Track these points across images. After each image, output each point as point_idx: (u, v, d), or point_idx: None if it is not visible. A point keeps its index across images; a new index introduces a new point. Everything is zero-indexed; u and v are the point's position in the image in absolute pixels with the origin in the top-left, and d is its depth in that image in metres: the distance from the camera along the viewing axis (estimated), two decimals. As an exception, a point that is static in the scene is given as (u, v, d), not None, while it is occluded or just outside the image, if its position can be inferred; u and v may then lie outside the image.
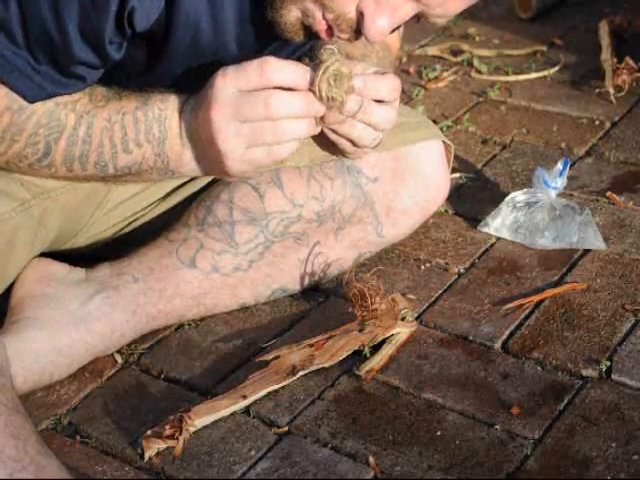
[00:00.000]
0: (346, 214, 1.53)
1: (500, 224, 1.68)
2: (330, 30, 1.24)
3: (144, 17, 1.20)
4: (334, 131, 1.28)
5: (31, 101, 1.24)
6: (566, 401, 1.34)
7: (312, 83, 1.20)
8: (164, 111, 1.27)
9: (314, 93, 1.21)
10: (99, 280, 1.46)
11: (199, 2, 1.24)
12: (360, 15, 1.21)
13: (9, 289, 1.45)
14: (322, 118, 1.24)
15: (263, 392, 1.36)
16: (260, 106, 1.20)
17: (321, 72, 1.19)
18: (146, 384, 1.42)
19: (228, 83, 1.21)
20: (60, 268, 1.48)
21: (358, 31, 1.23)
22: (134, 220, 1.56)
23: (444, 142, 1.59)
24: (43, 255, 1.49)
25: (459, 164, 1.90)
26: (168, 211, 1.57)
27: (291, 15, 1.24)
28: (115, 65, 1.28)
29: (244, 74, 1.20)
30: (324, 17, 1.23)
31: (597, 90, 2.10)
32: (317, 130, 1.26)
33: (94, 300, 1.43)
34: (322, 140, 1.32)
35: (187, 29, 1.25)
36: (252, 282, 1.51)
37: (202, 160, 1.29)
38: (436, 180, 1.59)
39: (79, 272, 1.48)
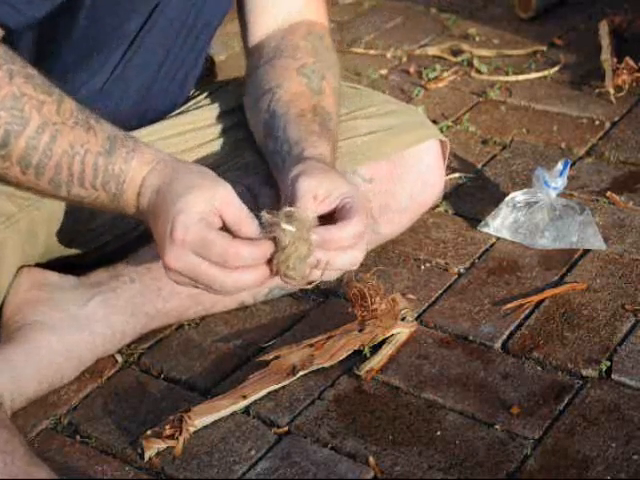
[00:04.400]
0: None
1: (500, 224, 1.68)
2: None
3: None
4: None
5: (11, 26, 1.22)
6: (566, 401, 1.34)
7: (271, 261, 1.19)
8: (124, 174, 1.23)
9: (270, 268, 1.19)
10: (96, 283, 1.46)
11: None
12: None
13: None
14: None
15: (263, 392, 1.36)
16: (216, 285, 1.19)
17: (282, 259, 1.18)
18: (146, 384, 1.42)
19: (186, 246, 1.17)
20: (50, 275, 1.47)
21: None
22: (134, 228, 1.56)
23: (440, 140, 1.60)
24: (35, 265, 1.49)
25: (459, 164, 1.90)
26: None
27: None
28: None
29: (205, 248, 1.17)
30: None
31: (597, 90, 2.11)
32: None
33: (92, 302, 1.43)
34: None
35: None
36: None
37: None
38: (432, 179, 1.59)
39: (71, 279, 1.47)
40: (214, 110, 1.60)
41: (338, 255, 1.22)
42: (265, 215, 1.21)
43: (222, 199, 1.19)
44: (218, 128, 1.58)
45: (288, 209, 1.21)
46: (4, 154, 1.23)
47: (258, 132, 1.48)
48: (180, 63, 1.52)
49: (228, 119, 1.59)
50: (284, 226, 1.19)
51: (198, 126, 1.57)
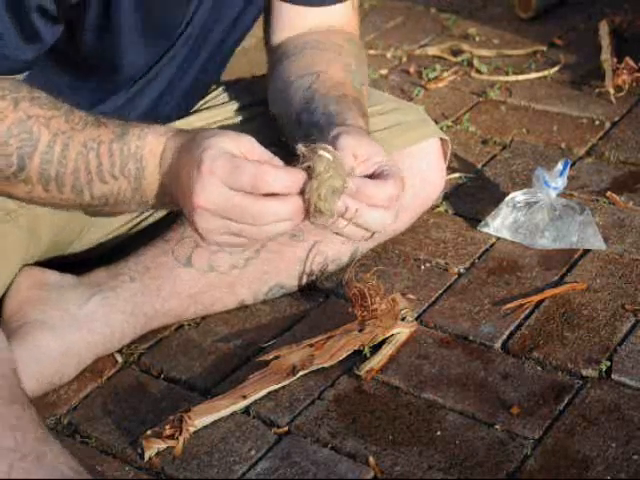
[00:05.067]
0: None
1: (500, 224, 1.68)
2: None
3: None
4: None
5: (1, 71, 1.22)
6: (566, 401, 1.34)
7: (303, 191, 1.15)
8: (140, 149, 1.22)
9: (303, 200, 1.16)
10: (96, 282, 1.46)
11: None
12: None
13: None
14: (310, 220, 1.18)
15: (263, 392, 1.36)
16: (248, 217, 1.15)
17: (314, 186, 1.15)
18: (146, 384, 1.42)
19: (216, 178, 1.14)
20: (51, 275, 1.48)
21: None
22: (134, 225, 1.56)
23: (441, 138, 1.60)
24: (35, 264, 1.49)
25: (459, 164, 1.90)
26: (168, 215, 1.56)
27: None
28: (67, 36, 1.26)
29: (235, 177, 1.14)
30: None
31: (597, 90, 2.10)
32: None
33: (92, 301, 1.43)
34: None
35: None
36: (249, 279, 1.51)
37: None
38: (433, 178, 1.60)
39: (71, 278, 1.48)
40: (225, 107, 1.61)
41: (368, 209, 1.19)
42: (301, 147, 1.17)
43: (246, 145, 1.17)
44: (231, 122, 1.58)
45: (326, 145, 1.18)
46: (24, 177, 1.24)
47: (290, 108, 1.44)
48: (194, 78, 1.52)
49: (240, 115, 1.60)
50: (321, 152, 1.15)
51: (210, 122, 1.58)
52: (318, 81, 1.42)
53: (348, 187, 1.16)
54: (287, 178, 1.14)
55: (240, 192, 1.14)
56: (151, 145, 1.22)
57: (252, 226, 1.16)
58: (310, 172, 1.15)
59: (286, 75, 1.49)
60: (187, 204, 1.17)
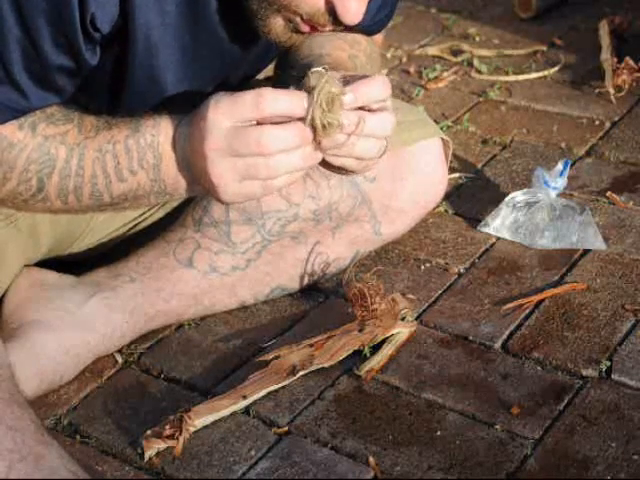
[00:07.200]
0: (343, 213, 1.53)
1: (500, 224, 1.68)
2: (314, 27, 1.25)
3: (106, 19, 1.19)
4: (336, 155, 1.22)
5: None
6: (566, 401, 1.34)
7: (306, 111, 1.16)
8: (156, 137, 1.23)
9: (309, 121, 1.16)
10: (96, 282, 1.46)
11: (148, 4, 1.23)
12: (331, 5, 1.21)
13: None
14: (320, 145, 1.19)
15: (263, 392, 1.36)
16: (253, 144, 1.16)
17: (314, 100, 1.15)
18: (146, 384, 1.42)
19: (221, 116, 1.16)
20: (50, 275, 1.48)
21: (337, 19, 1.23)
22: (133, 226, 1.56)
23: (442, 138, 1.59)
24: (35, 264, 1.50)
25: (459, 164, 1.90)
26: (167, 215, 1.56)
27: (277, 25, 1.25)
28: (83, 86, 1.27)
29: (238, 108, 1.16)
30: (303, 20, 1.23)
31: (597, 90, 2.11)
32: (317, 160, 1.21)
33: (92, 301, 1.43)
34: (327, 165, 1.26)
35: (140, 27, 1.24)
36: (250, 281, 1.51)
37: (198, 185, 1.26)
38: (435, 179, 1.59)
39: (70, 278, 1.48)
40: None
41: (372, 115, 1.19)
42: (292, 85, 1.19)
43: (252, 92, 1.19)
44: None
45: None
46: (43, 197, 1.26)
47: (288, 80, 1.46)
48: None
49: None
50: (313, 69, 1.17)
51: None
52: (319, 60, 1.42)
53: (348, 96, 1.17)
54: (287, 97, 1.16)
55: (245, 123, 1.16)
56: (166, 129, 1.23)
57: (259, 157, 1.17)
58: (309, 93, 1.16)
59: (292, 58, 1.48)
60: (200, 158, 1.19)
